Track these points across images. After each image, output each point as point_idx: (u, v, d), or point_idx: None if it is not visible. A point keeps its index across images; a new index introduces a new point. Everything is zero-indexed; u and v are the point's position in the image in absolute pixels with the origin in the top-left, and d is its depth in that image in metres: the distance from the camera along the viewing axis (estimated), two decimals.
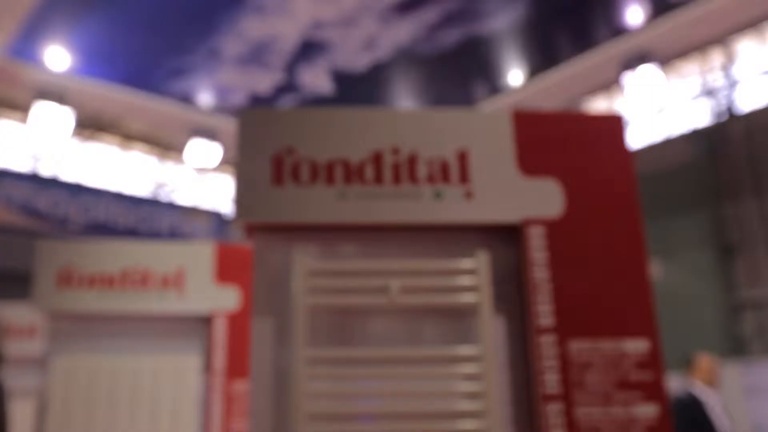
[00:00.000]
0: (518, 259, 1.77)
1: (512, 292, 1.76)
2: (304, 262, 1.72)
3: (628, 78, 11.00)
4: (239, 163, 1.77)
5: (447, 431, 1.64)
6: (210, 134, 12.96)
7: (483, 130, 1.81)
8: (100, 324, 2.81)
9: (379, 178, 1.76)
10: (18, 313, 3.81)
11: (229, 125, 12.83)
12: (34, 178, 10.98)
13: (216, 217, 12.31)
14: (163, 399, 2.67)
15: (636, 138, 10.95)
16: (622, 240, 1.73)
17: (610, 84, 11.80)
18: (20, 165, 12.88)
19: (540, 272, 1.69)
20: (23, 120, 12.59)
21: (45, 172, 12.26)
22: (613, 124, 1.84)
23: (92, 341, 2.78)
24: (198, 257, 2.86)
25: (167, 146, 14.78)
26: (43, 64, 11.13)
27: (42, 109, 11.38)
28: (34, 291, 2.78)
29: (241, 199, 1.74)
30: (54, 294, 2.78)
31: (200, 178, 15.38)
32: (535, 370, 1.63)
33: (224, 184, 15.89)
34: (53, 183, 11.09)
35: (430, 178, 1.77)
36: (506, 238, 1.78)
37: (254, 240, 1.77)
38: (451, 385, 1.66)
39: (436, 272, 1.74)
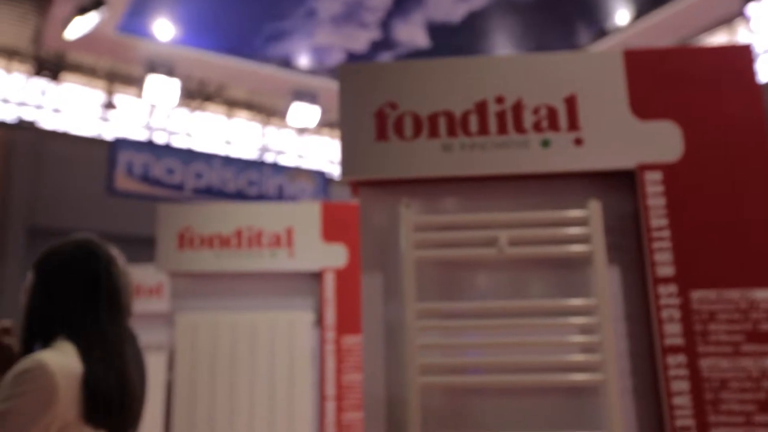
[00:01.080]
0: (633, 206, 1.69)
1: (627, 242, 1.69)
2: (411, 216, 1.72)
3: (755, 8, 9.89)
4: (342, 120, 1.78)
5: (561, 383, 1.61)
6: (310, 96, 13.17)
7: (592, 72, 1.72)
8: (218, 282, 2.95)
9: (483, 129, 1.72)
10: (146, 274, 4.08)
11: (328, 86, 12.98)
12: (150, 148, 11.62)
13: (319, 177, 12.58)
14: (279, 352, 2.79)
15: (765, 73, 10.03)
16: (749, 183, 1.61)
17: (731, 17, 10.88)
18: (137, 135, 13.66)
19: (658, 219, 1.61)
20: (137, 92, 13.28)
21: (159, 141, 12.94)
22: (740, 56, 1.69)
23: (212, 298, 2.94)
24: (306, 216, 2.93)
25: (270, 111, 15.17)
26: (152, 37, 11.64)
27: (153, 81, 11.95)
28: (158, 253, 2.96)
29: (346, 157, 1.76)
30: (175, 255, 2.94)
31: (302, 140, 15.72)
32: (655, 321, 1.57)
33: (325, 145, 16.17)
34: (167, 151, 11.70)
35: (537, 126, 1.71)
36: (620, 185, 1.70)
37: (360, 197, 1.79)
38: (564, 337, 1.63)
39: (545, 223, 1.70)
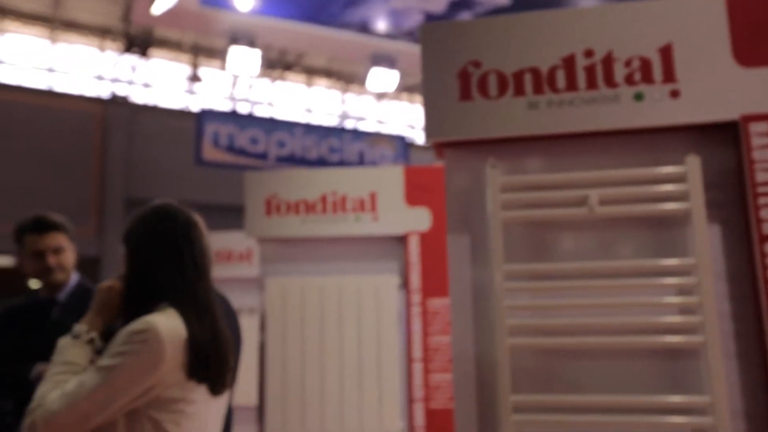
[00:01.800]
0: (736, 160, 1.59)
1: (729, 198, 1.60)
2: (497, 177, 1.69)
3: None
4: (425, 81, 1.76)
5: (656, 345, 1.56)
6: (388, 61, 13.10)
7: (690, 19, 1.62)
8: (305, 246, 3.02)
9: (572, 84, 1.65)
10: (236, 240, 4.22)
11: (406, 50, 12.87)
12: (234, 118, 11.92)
13: (399, 142, 12.57)
14: (366, 315, 2.84)
15: None
16: None
17: None
18: (222, 106, 14.02)
19: (764, 174, 1.51)
20: (221, 64, 13.59)
21: (242, 111, 13.25)
22: None
23: (299, 262, 3.01)
24: (389, 181, 2.94)
25: (349, 77, 15.23)
26: (233, 8, 11.85)
27: (235, 52, 12.20)
28: (246, 219, 3.05)
29: (429, 119, 1.74)
30: (262, 221, 3.02)
31: (382, 106, 15.73)
32: (761, 281, 1.48)
33: (405, 109, 16.11)
34: (250, 121, 11.97)
35: (629, 79, 1.63)
36: (721, 139, 1.61)
37: (445, 158, 1.77)
38: (659, 298, 1.57)
39: (639, 180, 1.63)
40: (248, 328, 3.93)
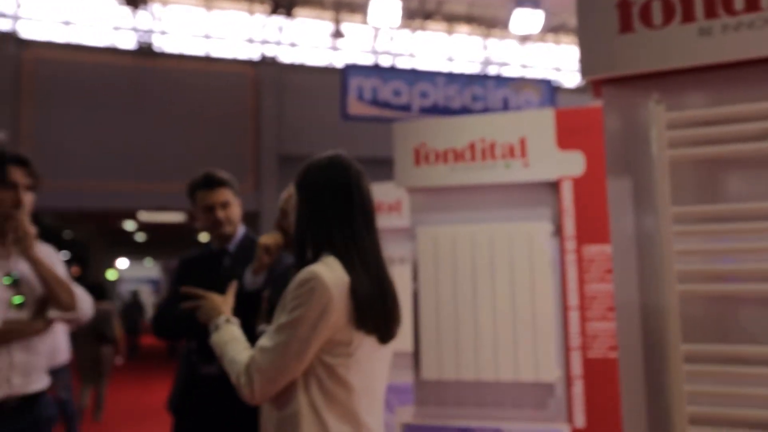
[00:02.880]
0: None
1: None
2: (662, 113, 1.57)
3: None
4: (580, 15, 1.66)
5: None
6: (532, 1, 12.55)
7: None
8: (455, 195, 3.01)
9: (753, 4, 1.48)
10: (385, 191, 4.30)
11: None
12: (377, 71, 12.04)
13: (545, 86, 12.10)
14: (519, 263, 2.80)
15: None
16: None
17: None
18: (365, 61, 14.20)
19: None
20: (362, 19, 13.72)
21: (385, 64, 13.34)
22: None
23: (449, 211, 3.01)
24: (539, 125, 2.84)
25: (490, 22, 14.78)
26: None
27: (376, 4, 12.24)
28: (396, 170, 3.08)
29: (585, 54, 1.64)
30: (411, 171, 3.04)
31: (525, 50, 15.17)
32: None
33: (550, 52, 15.44)
34: (393, 73, 12.03)
35: None
36: None
37: (603, 96, 1.67)
38: None
39: None
40: (400, 277, 4.03)
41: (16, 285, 2.34)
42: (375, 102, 11.71)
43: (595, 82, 1.67)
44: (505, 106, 11.68)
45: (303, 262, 1.66)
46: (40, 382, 2.37)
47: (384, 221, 4.28)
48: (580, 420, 2.56)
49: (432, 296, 2.93)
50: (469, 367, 2.77)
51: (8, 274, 2.34)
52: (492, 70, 14.50)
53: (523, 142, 2.86)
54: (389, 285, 1.70)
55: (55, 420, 2.47)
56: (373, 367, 1.66)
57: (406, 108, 11.60)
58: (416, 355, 2.97)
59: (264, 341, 1.58)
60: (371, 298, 1.60)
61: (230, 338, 1.72)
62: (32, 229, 2.36)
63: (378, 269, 1.67)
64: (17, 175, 2.34)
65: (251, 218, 13.86)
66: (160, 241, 24.34)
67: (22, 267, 2.38)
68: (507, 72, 14.36)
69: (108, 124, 14.01)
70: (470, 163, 2.92)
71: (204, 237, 21.76)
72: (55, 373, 6.20)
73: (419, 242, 3.00)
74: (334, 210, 1.67)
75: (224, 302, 1.91)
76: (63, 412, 6.59)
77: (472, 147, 2.93)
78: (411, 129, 3.04)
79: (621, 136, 1.63)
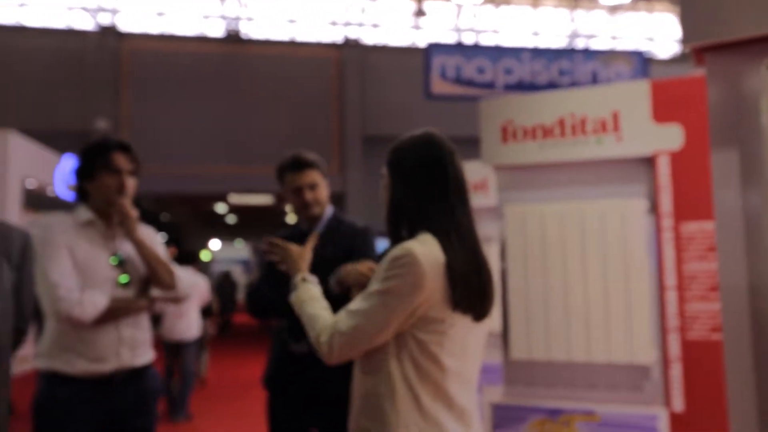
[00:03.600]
0: None
1: None
2: None
3: None
4: None
5: None
6: None
7: None
8: (544, 172, 2.93)
9: None
10: (470, 170, 4.26)
11: None
12: (460, 49, 11.89)
13: (637, 57, 11.59)
14: (611, 242, 2.71)
15: None
16: None
17: None
18: (447, 39, 14.05)
19: None
20: None
21: (468, 41, 13.16)
22: None
23: (538, 189, 2.94)
24: (633, 98, 2.72)
25: None
26: None
27: None
28: (483, 147, 3.03)
29: (687, 20, 1.55)
30: (499, 149, 2.99)
31: (615, 20, 14.57)
32: None
33: (642, 21, 14.77)
34: (476, 50, 11.84)
35: None
36: None
37: (707, 64, 1.57)
38: None
39: None
40: (487, 256, 3.99)
41: (122, 265, 2.47)
42: (458, 80, 11.58)
43: (698, 50, 1.57)
44: (594, 80, 11.27)
45: (397, 240, 1.66)
46: (146, 356, 2.51)
47: (474, 200, 4.25)
48: (678, 404, 2.47)
49: (520, 275, 2.88)
50: (560, 348, 2.72)
51: (114, 255, 2.47)
52: (579, 44, 14.01)
53: (616, 117, 2.75)
54: (484, 262, 1.68)
55: (161, 392, 2.60)
56: (467, 347, 1.65)
57: (490, 85, 11.41)
58: (505, 334, 2.94)
59: (352, 305, 1.61)
60: (467, 276, 1.58)
61: (308, 297, 1.77)
62: (134, 213, 2.49)
63: (473, 246, 1.65)
64: (121, 161, 2.46)
65: (337, 200, 14.07)
66: (249, 223, 25.15)
67: (126, 248, 2.51)
68: (595, 45, 13.84)
69: (199, 110, 14.54)
70: (560, 140, 2.84)
71: (292, 218, 22.33)
72: (187, 345, 7.08)
73: (507, 221, 2.96)
74: (430, 187, 1.66)
75: (301, 257, 1.97)
76: (182, 379, 7.10)
77: (561, 123, 2.84)
78: (498, 106, 2.99)
79: (727, 107, 1.54)
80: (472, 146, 3.33)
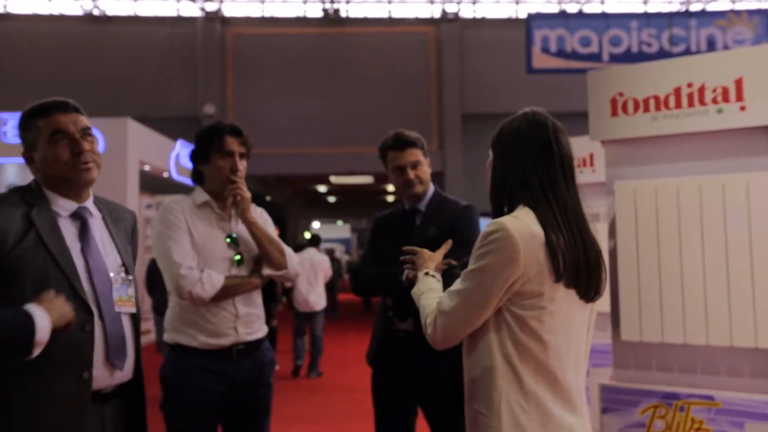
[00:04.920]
0: None
1: None
2: None
3: None
4: None
5: None
6: None
7: None
8: (656, 146, 2.78)
9: None
10: (576, 146, 4.13)
11: None
12: (563, 20, 11.45)
13: (763, 17, 10.73)
14: (734, 217, 2.54)
15: None
16: None
17: None
18: (549, 9, 13.58)
19: None
20: None
21: (571, 10, 12.66)
22: None
23: (651, 164, 2.79)
24: (760, 63, 2.51)
25: None
26: None
27: None
28: (590, 122, 2.92)
29: None
30: (608, 122, 2.86)
31: None
32: None
33: None
34: (580, 20, 11.38)
35: None
36: None
37: None
38: None
39: None
40: (594, 233, 3.85)
41: (236, 244, 2.58)
42: (561, 53, 11.18)
43: None
44: (711, 48, 10.57)
45: (499, 216, 1.67)
46: (260, 331, 2.62)
47: (580, 176, 4.12)
48: None
49: (631, 254, 2.76)
50: (676, 330, 2.59)
51: (229, 235, 2.58)
52: (694, 7, 13.13)
53: (739, 84, 2.56)
54: (590, 239, 1.65)
55: (274, 365, 2.72)
56: (572, 325, 1.62)
57: (595, 57, 10.94)
58: (615, 315, 2.83)
59: (454, 287, 1.64)
60: (568, 251, 1.56)
61: (426, 288, 1.81)
62: (248, 194, 2.58)
63: (578, 222, 1.63)
64: (233, 144, 2.55)
65: (435, 178, 14.02)
66: (349, 203, 25.59)
67: (239, 228, 2.61)
68: (713, 7, 12.92)
69: (300, 91, 14.87)
70: (675, 111, 2.68)
71: (391, 198, 22.53)
72: (316, 314, 8.45)
73: (617, 197, 2.83)
74: (533, 165, 1.66)
75: (431, 258, 2.02)
76: (313, 343, 8.43)
77: (677, 93, 2.68)
78: (607, 77, 2.85)
79: None
80: (577, 121, 3.21)
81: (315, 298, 8.44)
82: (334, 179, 17.30)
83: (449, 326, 1.60)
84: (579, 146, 4.05)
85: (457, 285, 1.63)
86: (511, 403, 1.54)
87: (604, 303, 3.36)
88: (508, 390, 1.55)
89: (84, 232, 1.94)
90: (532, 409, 1.54)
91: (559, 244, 1.55)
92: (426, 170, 2.84)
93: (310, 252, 8.87)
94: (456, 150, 14.69)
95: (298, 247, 10.74)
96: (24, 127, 1.96)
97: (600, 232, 3.70)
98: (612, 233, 2.90)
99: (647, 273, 2.71)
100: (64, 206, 1.94)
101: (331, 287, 9.53)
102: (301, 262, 9.27)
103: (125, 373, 1.95)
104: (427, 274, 1.90)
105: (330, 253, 18.64)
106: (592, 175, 3.99)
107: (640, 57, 10.56)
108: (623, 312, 2.76)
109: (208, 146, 2.56)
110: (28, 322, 1.58)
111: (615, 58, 10.83)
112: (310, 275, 8.41)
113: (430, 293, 1.77)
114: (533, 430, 1.53)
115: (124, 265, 2.00)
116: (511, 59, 13.55)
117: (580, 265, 1.58)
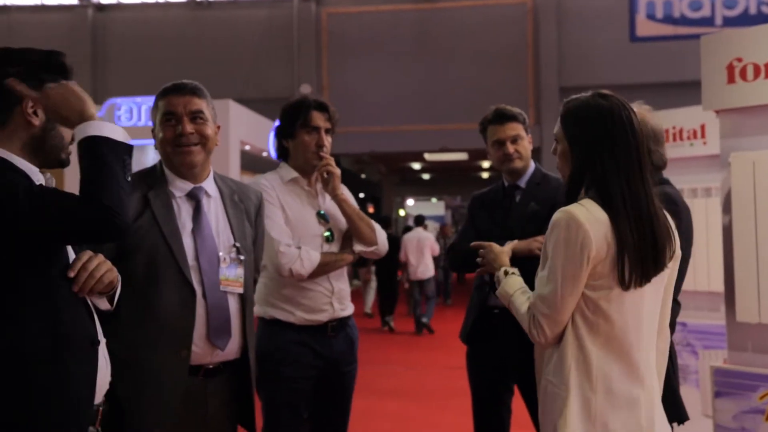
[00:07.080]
0: None
1: None
2: None
3: None
4: None
5: None
6: None
7: None
8: None
9: None
10: (684, 117, 3.91)
11: None
12: None
13: None
14: None
15: None
16: None
17: None
18: None
19: None
20: None
21: None
22: None
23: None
24: None
25: None
26: None
27: None
28: (704, 90, 2.75)
29: None
30: (723, 90, 2.69)
31: None
32: None
33: None
34: None
35: None
36: None
37: None
38: None
39: None
40: (703, 210, 3.64)
41: (326, 221, 2.60)
42: (668, 19, 10.55)
43: None
44: None
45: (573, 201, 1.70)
46: (349, 308, 2.65)
47: (684, 150, 3.91)
48: None
49: (749, 231, 2.60)
50: None
51: (319, 212, 2.60)
52: None
53: None
54: (656, 226, 1.65)
55: (357, 341, 2.72)
56: (643, 300, 1.66)
57: (707, 22, 10.26)
58: (729, 296, 2.68)
59: (539, 288, 1.68)
60: (632, 244, 1.60)
61: (513, 290, 1.82)
62: (338, 170, 2.58)
63: (644, 214, 1.64)
64: (319, 119, 2.56)
65: (533, 154, 13.69)
66: (444, 180, 25.46)
67: (327, 204, 2.63)
68: None
69: (393, 69, 14.85)
70: None
71: (486, 175, 22.25)
72: (427, 281, 10.27)
73: (734, 170, 2.67)
74: (601, 148, 1.66)
75: (503, 252, 2.03)
76: (426, 304, 10.18)
77: None
78: (723, 42, 2.68)
79: None
80: (686, 90, 3.03)
81: (423, 268, 10.23)
82: (428, 156, 17.25)
83: (553, 325, 1.65)
84: (689, 117, 3.87)
85: (544, 286, 1.66)
86: (580, 375, 1.62)
87: (716, 282, 3.19)
88: (577, 363, 1.63)
89: (197, 213, 2.02)
90: (599, 381, 1.61)
91: (623, 233, 1.59)
92: (526, 146, 2.77)
93: (417, 231, 10.62)
94: (553, 125, 14.25)
95: (406, 228, 12.84)
96: (153, 108, 2.07)
97: (711, 206, 3.53)
98: (726, 208, 2.74)
99: (766, 250, 2.54)
100: (180, 186, 2.03)
101: (438, 266, 11.02)
102: (410, 239, 10.38)
103: (229, 351, 2.02)
104: (507, 273, 1.89)
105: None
106: (704, 147, 3.78)
107: (758, 19, 9.79)
108: (739, 292, 2.61)
109: (294, 121, 2.56)
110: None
111: (729, 22, 10.10)
112: (417, 251, 10.16)
113: (518, 295, 1.79)
114: (598, 401, 1.60)
115: (235, 245, 2.06)
116: (613, 28, 12.95)
117: (646, 247, 1.61)
